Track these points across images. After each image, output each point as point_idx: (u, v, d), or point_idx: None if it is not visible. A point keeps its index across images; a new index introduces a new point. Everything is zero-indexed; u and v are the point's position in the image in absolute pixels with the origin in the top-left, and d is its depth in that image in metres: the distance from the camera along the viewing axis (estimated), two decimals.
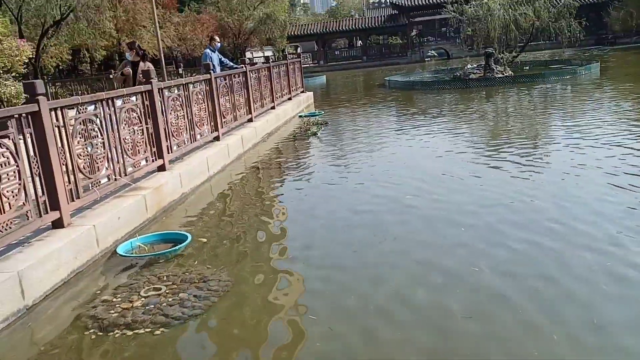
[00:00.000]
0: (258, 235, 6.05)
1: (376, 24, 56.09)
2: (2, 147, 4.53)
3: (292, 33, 52.73)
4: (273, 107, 14.80)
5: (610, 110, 12.77)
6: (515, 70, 23.79)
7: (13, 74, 13.47)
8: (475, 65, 23.53)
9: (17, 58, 13.24)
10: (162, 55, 17.84)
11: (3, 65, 12.93)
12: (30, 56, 14.28)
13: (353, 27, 56.24)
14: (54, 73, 31.82)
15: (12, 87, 13.11)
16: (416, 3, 52.90)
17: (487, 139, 11.07)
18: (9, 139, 4.63)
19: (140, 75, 8.54)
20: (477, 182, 7.48)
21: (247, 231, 6.21)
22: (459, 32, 34.11)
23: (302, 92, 19.72)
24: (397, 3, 53.85)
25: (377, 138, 11.95)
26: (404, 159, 9.68)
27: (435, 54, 54.17)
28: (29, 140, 4.88)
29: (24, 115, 4.85)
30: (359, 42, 59.30)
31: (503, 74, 22.14)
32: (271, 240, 5.82)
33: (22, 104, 12.91)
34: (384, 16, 58.58)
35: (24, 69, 13.93)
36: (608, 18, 46.12)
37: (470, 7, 25.21)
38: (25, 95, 12.39)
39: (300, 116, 16.33)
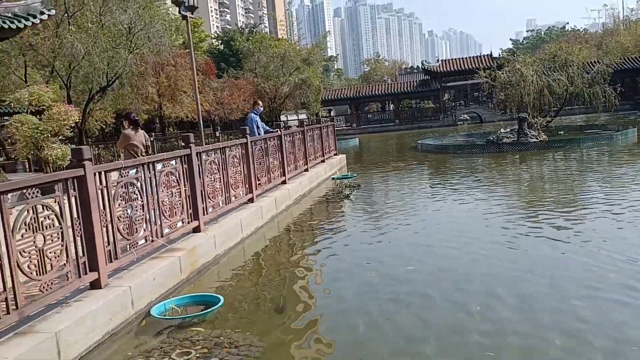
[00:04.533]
0: (290, 300, 6.02)
1: (408, 89, 57.15)
2: (48, 210, 4.72)
3: (326, 97, 54.11)
4: (306, 169, 15.02)
5: None
6: (550, 135, 23.69)
7: (60, 137, 14.14)
8: (508, 130, 23.55)
9: (65, 122, 13.94)
10: (201, 118, 18.48)
11: (52, 129, 13.61)
12: (77, 120, 15.00)
13: (385, 91, 57.38)
14: (97, 135, 33.20)
15: (59, 150, 13.75)
16: (448, 69, 53.86)
17: (523, 204, 10.93)
18: (55, 201, 4.84)
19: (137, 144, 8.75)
20: (517, 252, 7.34)
21: (279, 295, 6.20)
22: (491, 96, 34.43)
23: (335, 154, 20.00)
24: (429, 69, 54.94)
25: (409, 202, 11.94)
26: (437, 225, 9.61)
27: (468, 118, 54.53)
28: (73, 202, 5.07)
29: (70, 178, 5.07)
30: (391, 106, 60.25)
31: (537, 139, 22.06)
32: (303, 306, 5.78)
33: (66, 166, 13.46)
34: (416, 81, 59.72)
35: (71, 132, 14.59)
36: None
37: (503, 73, 25.53)
38: (71, 158, 12.88)
39: (333, 178, 16.49)
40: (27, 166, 24.42)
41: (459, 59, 57.03)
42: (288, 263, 7.84)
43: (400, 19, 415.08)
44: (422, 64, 59.57)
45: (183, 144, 7.72)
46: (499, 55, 54.46)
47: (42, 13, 13.69)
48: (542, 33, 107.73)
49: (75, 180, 5.13)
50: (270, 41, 51.31)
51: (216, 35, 73.06)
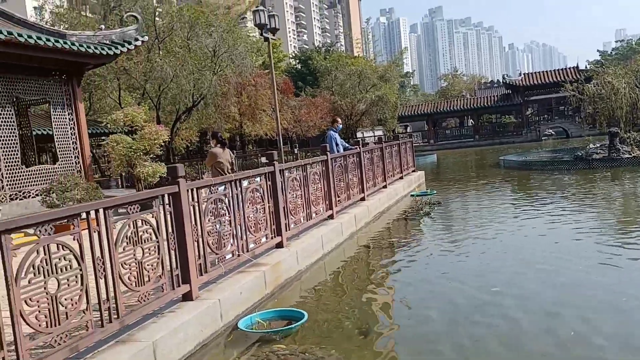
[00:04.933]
0: (370, 317, 6.00)
1: (488, 104, 55.66)
2: (146, 224, 5.01)
3: (403, 113, 53.82)
4: (385, 186, 14.96)
5: None
6: None
7: (151, 155, 14.94)
8: (598, 145, 22.32)
9: (156, 141, 14.72)
10: (281, 136, 18.92)
11: (143, 148, 14.42)
12: (167, 139, 15.80)
13: (464, 106, 56.22)
14: (183, 153, 34.81)
15: (150, 167, 14.53)
16: (531, 83, 52.03)
17: (616, 224, 10.29)
18: (153, 216, 5.13)
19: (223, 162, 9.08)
20: (613, 274, 6.92)
21: (359, 312, 6.20)
22: (578, 110, 32.83)
23: (414, 171, 19.78)
24: (510, 83, 53.31)
25: (492, 220, 11.58)
26: (522, 244, 9.24)
27: (553, 132, 52.24)
28: (168, 217, 5.35)
29: (166, 195, 5.36)
30: (470, 121, 58.92)
31: (631, 155, 20.73)
32: (384, 326, 5.74)
33: (155, 184, 14.15)
34: (496, 96, 58.08)
35: (160, 150, 15.37)
36: None
37: (591, 86, 24.30)
38: (161, 175, 13.51)
39: (412, 195, 16.31)
40: (119, 182, 26.02)
41: (542, 72, 54.93)
42: (368, 281, 7.82)
43: (479, 33, 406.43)
44: (503, 77, 57.87)
45: (267, 161, 7.94)
46: (586, 67, 51.94)
47: (136, 39, 14.67)
48: (633, 43, 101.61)
49: (170, 197, 5.41)
50: (347, 59, 51.80)
51: (293, 54, 74.81)
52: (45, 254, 3.87)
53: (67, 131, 14.07)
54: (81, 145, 14.33)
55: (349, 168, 11.85)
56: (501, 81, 62.32)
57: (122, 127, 16.05)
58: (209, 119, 28.46)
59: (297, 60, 64.55)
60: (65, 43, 12.48)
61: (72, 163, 14.12)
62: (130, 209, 4.85)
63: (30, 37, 11.57)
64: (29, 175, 13.03)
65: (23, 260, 3.72)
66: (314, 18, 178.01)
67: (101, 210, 4.52)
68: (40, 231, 3.86)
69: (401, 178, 17.31)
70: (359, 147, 12.92)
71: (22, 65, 12.77)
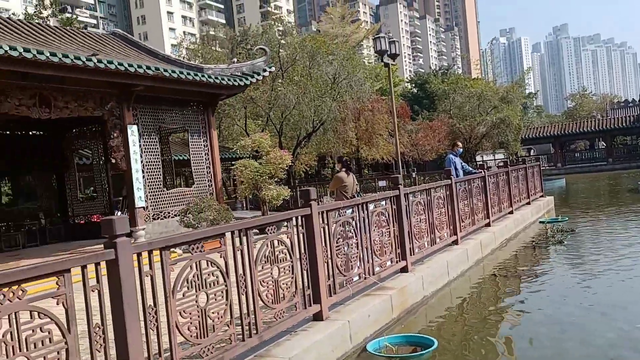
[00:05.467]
0: (498, 350, 5.74)
1: (623, 124, 51.31)
2: (282, 245, 5.26)
3: (526, 136, 51.21)
4: (511, 212, 14.31)
5: None
6: None
7: (275, 179, 15.67)
8: None
9: (280, 166, 15.42)
10: (400, 160, 18.90)
11: (269, 172, 15.16)
12: (290, 164, 16.47)
13: (595, 128, 52.31)
14: (302, 177, 35.94)
15: (274, 191, 15.24)
16: None
17: None
18: (288, 237, 5.37)
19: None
20: None
21: (487, 343, 5.96)
22: None
23: (542, 196, 18.71)
24: None
25: (632, 250, 10.58)
26: None
27: None
28: (301, 238, 5.57)
29: (299, 217, 5.59)
30: (602, 143, 54.59)
31: None
32: (512, 357, 5.46)
33: (279, 206, 14.72)
34: (632, 116, 53.46)
35: (283, 174, 16.06)
36: None
37: None
38: (284, 197, 14.06)
39: (541, 222, 15.41)
40: (244, 204, 27.45)
41: None
42: (495, 310, 7.50)
43: (610, 50, 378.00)
44: None
45: (384, 185, 7.98)
46: None
47: (264, 70, 15.56)
48: None
49: (303, 218, 5.63)
50: (466, 81, 50.67)
51: (409, 78, 74.65)
52: (197, 270, 4.21)
53: (202, 157, 15.17)
54: (214, 170, 15.35)
55: (473, 192, 11.52)
56: (637, 100, 57.22)
57: (249, 153, 17.01)
58: (327, 143, 29.19)
59: (413, 84, 64.33)
60: (203, 76, 13.57)
61: (206, 186, 15.16)
62: (269, 230, 5.12)
63: (174, 71, 12.74)
64: (168, 197, 14.19)
65: (179, 274, 4.07)
66: (430, 42, 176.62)
67: (237, 231, 4.81)
68: (193, 248, 4.20)
69: (528, 204, 16.45)
70: (484, 171, 12.53)
71: (166, 97, 14.05)
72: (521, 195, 15.96)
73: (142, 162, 13.34)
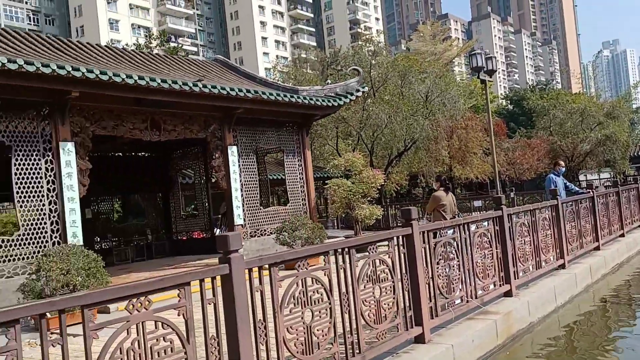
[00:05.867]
0: None
1: None
2: (383, 264, 5.23)
3: (635, 153, 47.57)
4: (622, 235, 13.31)
5: None
6: None
7: (368, 199, 15.68)
8: None
9: (373, 185, 15.43)
10: (498, 180, 18.24)
11: (362, 191, 15.21)
12: (383, 183, 16.42)
13: None
14: (393, 196, 35.65)
15: (367, 210, 15.24)
16: None
17: None
18: (389, 256, 5.33)
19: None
20: None
21: None
22: None
23: None
24: None
25: None
26: None
27: None
28: (402, 258, 5.51)
29: (400, 236, 5.54)
30: None
31: None
32: None
33: (371, 225, 14.67)
34: None
35: (376, 194, 16.04)
36: None
37: None
38: (376, 217, 13.96)
39: None
40: (335, 223, 27.65)
41: None
42: (607, 342, 6.97)
43: None
44: None
45: (495, 205, 7.72)
46: None
47: (357, 90, 15.72)
48: None
49: (404, 238, 5.58)
50: (567, 96, 48.14)
51: (504, 95, 72.21)
52: (302, 287, 4.28)
53: (297, 176, 15.52)
54: (308, 189, 15.64)
55: (581, 214, 10.85)
56: None
57: (342, 172, 17.17)
58: (419, 162, 28.81)
59: (509, 101, 62.15)
60: (298, 97, 13.95)
61: (300, 205, 15.46)
62: (370, 249, 5.12)
63: (271, 94, 13.21)
64: (265, 215, 14.62)
65: (286, 291, 4.16)
66: (526, 56, 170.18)
67: (340, 249, 4.84)
68: (299, 265, 4.29)
69: None
70: (592, 191, 11.78)
71: (263, 119, 14.58)
72: (633, 217, 14.82)
73: (240, 181, 13.88)
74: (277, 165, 23.15)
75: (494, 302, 7.23)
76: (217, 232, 19.11)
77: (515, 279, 7.75)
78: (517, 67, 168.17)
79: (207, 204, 17.40)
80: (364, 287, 4.97)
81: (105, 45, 16.11)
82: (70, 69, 9.10)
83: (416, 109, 25.04)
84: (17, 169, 9.49)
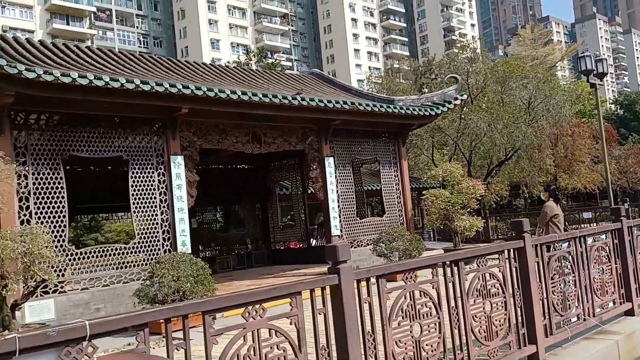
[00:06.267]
0: None
1: None
2: (493, 278, 5.00)
3: None
4: None
5: None
6: None
7: (468, 210, 15.17)
8: None
9: (473, 196, 14.92)
10: (611, 190, 16.96)
11: (461, 202, 14.75)
12: (483, 194, 15.85)
13: None
14: (493, 207, 34.32)
15: (467, 221, 14.75)
16: None
17: None
18: (499, 270, 5.09)
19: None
20: None
21: None
22: None
23: None
24: None
25: None
26: None
27: None
28: (513, 272, 5.24)
29: (511, 249, 5.28)
30: None
31: None
32: None
33: (471, 237, 14.14)
34: None
35: (476, 205, 15.50)
36: None
37: None
38: (477, 229, 13.46)
39: None
40: (431, 235, 27.06)
41: None
42: None
43: None
44: None
45: (614, 216, 7.17)
46: None
47: (455, 99, 15.34)
48: None
49: (515, 251, 5.31)
50: None
51: (613, 99, 67.41)
52: (410, 300, 4.19)
53: (393, 187, 15.38)
54: (404, 200, 15.44)
55: None
56: None
57: (440, 183, 16.77)
58: (521, 172, 27.51)
59: (619, 105, 57.91)
60: (395, 108, 13.86)
61: (396, 216, 15.29)
62: (479, 262, 4.92)
63: (368, 104, 13.23)
64: (361, 226, 14.61)
65: (394, 303, 4.09)
66: (637, 57, 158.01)
67: (448, 262, 4.68)
68: (407, 278, 4.20)
69: None
70: None
71: (358, 130, 14.63)
72: None
73: (337, 192, 13.98)
74: (371, 176, 23.08)
75: (614, 321, 6.68)
76: (313, 242, 19.38)
77: (637, 296, 7.12)
78: (627, 70, 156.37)
79: (303, 215, 17.69)
80: (474, 301, 4.77)
81: (210, 64, 16.97)
82: (181, 86, 9.67)
83: (517, 115, 23.98)
84: (134, 181, 10.19)
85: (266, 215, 18.81)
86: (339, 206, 14.03)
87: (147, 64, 13.28)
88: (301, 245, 18.42)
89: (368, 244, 14.05)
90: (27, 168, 9.01)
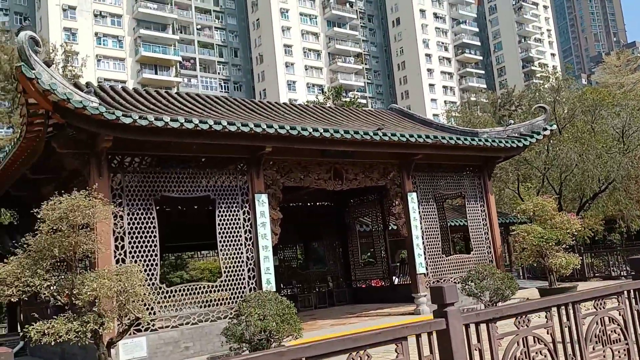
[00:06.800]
0: None
1: None
2: (614, 323, 4.50)
3: None
4: None
5: None
6: None
7: (563, 246, 14.19)
8: None
9: (568, 231, 13.96)
10: None
11: (555, 237, 13.83)
12: (580, 229, 14.82)
13: None
14: (587, 243, 32.18)
15: (563, 258, 13.76)
16: None
17: None
18: (619, 313, 4.58)
19: None
20: None
21: None
22: None
23: None
24: None
25: None
26: None
27: None
28: (635, 316, 4.70)
29: (631, 290, 4.75)
30: None
31: None
32: None
33: (568, 275, 13.15)
34: None
35: (572, 240, 14.49)
36: None
37: None
38: (574, 266, 12.51)
39: None
40: (520, 273, 25.58)
41: None
42: None
43: None
44: None
45: None
46: None
47: (544, 129, 14.62)
48: None
49: (636, 292, 4.77)
50: None
51: None
52: (524, 347, 3.81)
53: (480, 222, 14.73)
54: (492, 236, 14.73)
55: None
56: None
57: (530, 217, 15.87)
58: (616, 204, 25.68)
59: None
60: (480, 140, 13.38)
61: (485, 252, 14.58)
62: (597, 305, 4.45)
63: (451, 138, 12.86)
64: (447, 263, 14.03)
65: (506, 350, 3.73)
66: None
67: (563, 305, 4.26)
68: (519, 322, 3.84)
69: None
70: None
71: (441, 164, 14.23)
72: None
73: (421, 228, 13.55)
74: (452, 211, 22.34)
75: None
76: (396, 280, 18.84)
77: None
78: None
79: (384, 252, 17.31)
80: (593, 348, 4.30)
81: (290, 103, 17.30)
82: (265, 126, 9.83)
83: (610, 145, 22.53)
84: (220, 220, 10.36)
85: (346, 253, 18.58)
86: (423, 243, 13.57)
87: (230, 106, 13.69)
88: (383, 283, 17.96)
89: (456, 283, 13.42)
90: (122, 209, 9.38)
